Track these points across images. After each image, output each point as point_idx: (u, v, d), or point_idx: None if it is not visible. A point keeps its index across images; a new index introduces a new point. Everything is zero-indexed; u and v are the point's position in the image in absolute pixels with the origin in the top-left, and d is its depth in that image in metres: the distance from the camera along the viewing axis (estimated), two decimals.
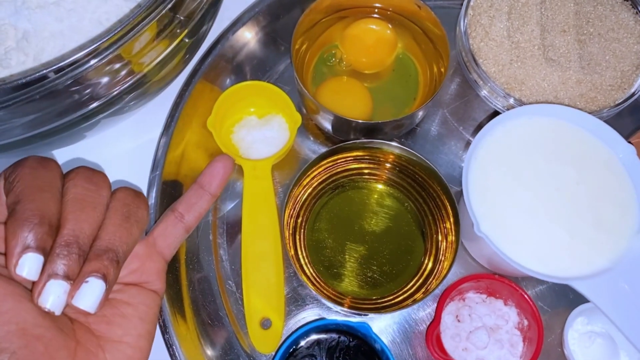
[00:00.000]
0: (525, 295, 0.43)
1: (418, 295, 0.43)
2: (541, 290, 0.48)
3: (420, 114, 0.49)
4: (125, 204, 0.29)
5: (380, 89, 0.52)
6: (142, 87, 0.40)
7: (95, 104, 0.36)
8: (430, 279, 0.44)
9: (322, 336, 0.43)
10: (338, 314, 0.46)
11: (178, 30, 0.41)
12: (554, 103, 0.45)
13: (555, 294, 0.47)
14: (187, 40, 0.43)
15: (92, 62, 0.34)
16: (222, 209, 0.50)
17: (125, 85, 0.38)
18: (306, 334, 0.43)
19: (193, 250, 0.48)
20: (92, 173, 0.29)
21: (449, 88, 0.53)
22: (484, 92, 0.48)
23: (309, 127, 0.53)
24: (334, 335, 0.43)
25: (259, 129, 0.51)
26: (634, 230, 0.39)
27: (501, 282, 0.44)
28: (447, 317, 0.45)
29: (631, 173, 0.40)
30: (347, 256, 0.46)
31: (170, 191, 0.48)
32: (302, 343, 0.43)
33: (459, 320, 0.45)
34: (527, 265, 0.38)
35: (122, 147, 0.51)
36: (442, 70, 0.47)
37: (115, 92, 0.37)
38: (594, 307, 0.38)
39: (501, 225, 0.39)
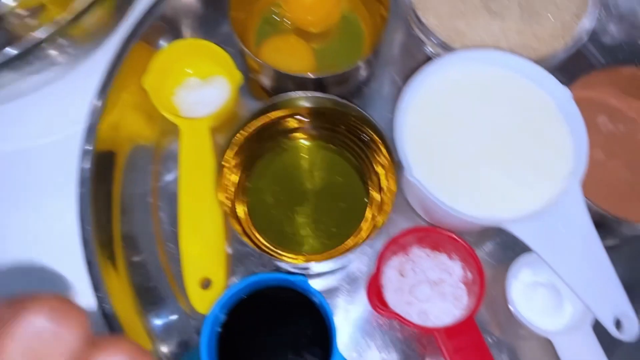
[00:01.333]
0: (468, 248, 0.42)
1: (351, 242, 0.42)
2: (488, 244, 0.47)
3: (363, 68, 0.48)
4: None
5: (327, 49, 0.52)
6: (65, 38, 0.39)
7: (10, 50, 0.35)
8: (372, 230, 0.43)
9: (261, 292, 0.42)
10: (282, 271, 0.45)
11: None
12: None
13: (501, 248, 0.47)
14: None
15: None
16: (162, 171, 0.49)
17: (43, 33, 0.36)
18: (243, 290, 0.41)
19: (130, 211, 0.46)
20: (136, 356, 0.18)
21: (395, 47, 0.53)
22: (428, 49, 0.47)
23: (253, 89, 0.52)
24: (273, 290, 0.42)
25: (199, 89, 0.50)
26: (569, 172, 0.38)
27: (445, 235, 0.43)
28: (390, 272, 0.44)
29: (567, 116, 0.40)
30: (289, 213, 0.45)
31: (106, 159, 0.47)
32: (240, 299, 0.42)
33: (402, 275, 0.44)
34: (459, 208, 0.37)
35: (54, 110, 0.49)
36: (384, 15, 0.46)
37: (32, 38, 0.35)
38: (538, 258, 0.38)
39: (435, 170, 0.38)
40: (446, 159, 0.38)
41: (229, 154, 0.43)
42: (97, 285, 0.41)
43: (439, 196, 0.37)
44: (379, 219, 0.43)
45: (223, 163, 0.43)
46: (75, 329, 0.17)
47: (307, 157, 0.47)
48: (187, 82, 0.50)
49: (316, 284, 0.46)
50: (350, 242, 0.44)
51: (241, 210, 0.45)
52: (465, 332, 0.40)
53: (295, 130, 0.47)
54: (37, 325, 0.16)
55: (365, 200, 0.45)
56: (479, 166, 0.38)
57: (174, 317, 0.44)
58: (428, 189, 0.37)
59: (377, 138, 0.43)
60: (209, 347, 0.40)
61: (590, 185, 0.43)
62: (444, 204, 0.37)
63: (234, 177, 0.45)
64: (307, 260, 0.43)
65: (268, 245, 0.44)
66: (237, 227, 0.41)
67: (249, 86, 0.52)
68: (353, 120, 0.44)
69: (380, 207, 0.44)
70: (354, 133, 0.45)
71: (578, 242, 0.36)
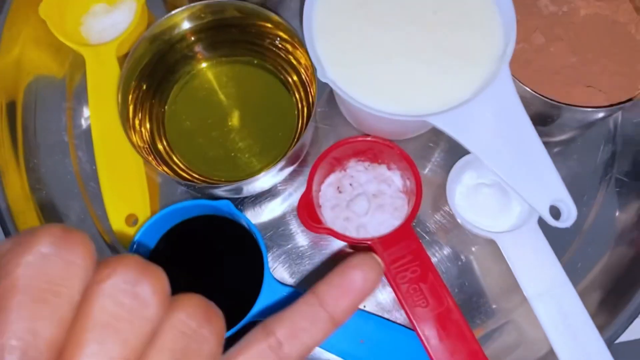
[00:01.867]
0: (403, 154, 0.39)
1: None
2: (434, 152, 0.44)
3: None
4: (187, 335, 0.17)
5: None
6: None
7: None
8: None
9: (187, 221, 0.40)
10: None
11: None
12: None
13: (448, 154, 0.44)
14: None
15: None
16: (76, 108, 0.45)
17: None
18: (166, 219, 0.39)
19: (46, 153, 0.43)
20: (142, 270, 0.17)
21: None
22: None
23: (170, 9, 0.47)
24: (198, 218, 0.40)
25: (107, 15, 0.45)
26: (498, 56, 0.35)
27: (376, 142, 0.40)
28: (327, 189, 0.42)
29: None
30: (213, 136, 0.42)
31: (9, 98, 0.43)
32: (166, 230, 0.40)
33: (340, 191, 0.42)
34: (379, 107, 0.34)
35: None
36: None
37: None
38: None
39: (350, 69, 0.35)
40: (362, 53, 0.35)
41: (129, 86, 0.39)
42: (9, 233, 0.39)
43: (356, 96, 0.34)
44: (304, 125, 0.39)
45: (123, 99, 0.39)
46: (83, 253, 0.17)
47: (222, 74, 0.43)
48: (94, 9, 0.46)
49: (260, 213, 0.43)
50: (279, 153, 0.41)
51: (162, 149, 0.41)
52: (402, 240, 0.38)
53: (202, 49, 0.43)
54: (43, 252, 0.16)
55: (294, 115, 0.42)
56: (399, 59, 0.35)
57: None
58: (344, 90, 0.34)
59: (289, 39, 0.40)
60: None
61: (530, 74, 0.40)
62: (362, 104, 0.34)
63: (143, 110, 0.41)
64: (229, 181, 0.40)
65: (197, 176, 0.41)
66: (157, 166, 0.38)
67: (166, 6, 0.47)
68: (263, 26, 0.40)
69: (308, 112, 0.41)
70: (268, 41, 0.41)
71: (508, 130, 0.33)
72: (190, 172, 0.41)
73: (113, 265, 0.17)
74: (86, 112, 0.45)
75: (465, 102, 0.33)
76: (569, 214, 0.32)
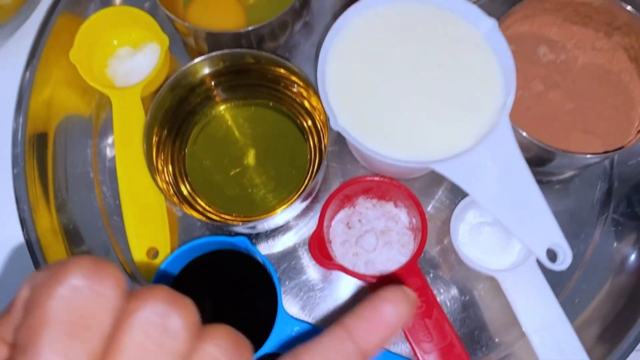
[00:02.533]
0: (409, 193, 0.42)
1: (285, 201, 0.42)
2: (438, 190, 0.47)
3: (293, 19, 0.46)
4: None
5: (262, 3, 0.50)
6: None
7: None
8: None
9: (205, 257, 0.42)
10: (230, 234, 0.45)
11: None
12: None
13: (451, 192, 0.46)
14: None
15: None
16: (101, 145, 0.48)
17: None
18: (185, 255, 0.41)
19: (72, 188, 0.46)
20: (172, 302, 0.17)
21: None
22: None
23: (191, 52, 0.51)
24: (216, 254, 0.42)
25: (132, 58, 0.48)
26: (499, 106, 0.37)
27: (387, 183, 0.42)
28: (337, 225, 0.44)
29: (495, 48, 0.38)
30: (230, 175, 0.45)
31: (40, 137, 0.46)
32: (186, 266, 0.42)
33: (349, 227, 0.44)
34: (386, 153, 0.36)
35: None
36: None
37: None
38: None
39: (360, 116, 0.37)
40: (371, 103, 0.37)
41: (152, 131, 0.42)
42: (39, 266, 0.41)
43: (365, 143, 0.36)
44: (317, 167, 0.42)
45: (149, 143, 0.41)
46: (113, 285, 0.17)
47: (241, 117, 0.46)
48: (119, 52, 0.49)
49: (273, 247, 0.45)
50: (292, 197, 0.43)
51: (184, 188, 0.44)
52: (408, 277, 0.40)
53: (221, 92, 0.46)
54: (74, 284, 0.16)
55: (307, 155, 0.44)
56: (406, 108, 0.37)
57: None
58: (353, 137, 0.36)
59: (304, 87, 0.42)
60: None
61: (530, 120, 0.42)
62: (370, 150, 0.36)
63: (165, 152, 0.44)
64: (248, 220, 0.42)
65: (214, 212, 0.44)
66: (181, 206, 0.41)
67: (187, 49, 0.51)
68: (279, 73, 0.43)
69: (320, 153, 0.44)
70: (283, 85, 0.44)
71: (508, 177, 0.35)
72: (209, 209, 0.43)
73: (143, 297, 0.17)
74: (110, 149, 0.48)
75: (467, 151, 0.36)
76: (565, 258, 0.34)
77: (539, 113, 0.43)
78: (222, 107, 0.46)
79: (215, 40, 0.45)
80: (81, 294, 0.16)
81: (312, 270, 0.45)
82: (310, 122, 0.44)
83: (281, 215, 0.41)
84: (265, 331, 0.39)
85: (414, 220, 0.43)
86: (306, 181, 0.43)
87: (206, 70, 0.43)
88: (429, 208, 0.47)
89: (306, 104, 0.44)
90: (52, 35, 0.47)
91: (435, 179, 0.47)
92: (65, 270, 0.16)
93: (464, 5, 0.39)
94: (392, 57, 0.38)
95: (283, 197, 0.44)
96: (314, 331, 0.41)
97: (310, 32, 0.50)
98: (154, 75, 0.45)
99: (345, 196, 0.44)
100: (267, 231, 0.46)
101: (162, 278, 0.41)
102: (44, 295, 0.16)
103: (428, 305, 0.39)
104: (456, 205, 0.44)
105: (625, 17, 0.43)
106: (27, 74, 0.46)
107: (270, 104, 0.46)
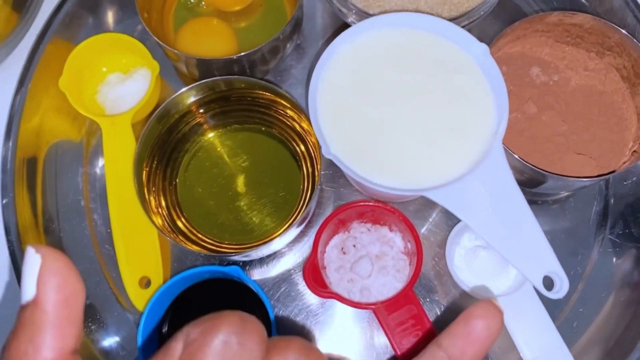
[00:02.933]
0: (404, 218, 0.41)
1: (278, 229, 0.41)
2: (432, 213, 0.46)
3: (284, 44, 0.46)
4: None
5: (250, 28, 0.50)
6: None
7: None
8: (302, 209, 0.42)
9: (198, 286, 0.42)
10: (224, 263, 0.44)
11: None
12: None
13: (446, 215, 0.46)
14: None
15: None
16: (91, 173, 0.47)
17: None
18: (178, 284, 0.41)
19: (63, 216, 0.45)
20: (307, 351, 0.20)
21: (320, 19, 0.51)
22: (349, 19, 0.45)
23: (182, 78, 0.50)
24: (211, 285, 0.42)
25: (122, 84, 0.48)
26: (491, 132, 0.37)
27: (379, 207, 0.42)
28: (331, 251, 0.44)
29: (487, 73, 0.38)
30: (224, 203, 0.44)
31: (29, 165, 0.45)
32: (179, 295, 0.42)
33: (344, 253, 0.44)
34: (379, 181, 0.36)
35: None
36: None
37: None
38: None
39: (353, 145, 0.37)
40: (363, 130, 0.37)
41: (142, 164, 0.41)
42: None
43: (357, 171, 0.36)
44: (311, 194, 0.41)
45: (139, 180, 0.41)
46: (258, 339, 0.19)
47: (232, 144, 0.45)
48: (109, 79, 0.48)
49: (266, 273, 0.45)
50: (285, 224, 0.43)
51: (177, 218, 0.43)
52: (404, 304, 0.39)
53: (211, 119, 0.45)
54: (225, 340, 0.18)
55: (300, 180, 0.44)
56: (397, 134, 0.37)
57: (117, 320, 0.44)
58: (346, 164, 0.36)
59: (296, 113, 0.42)
60: (149, 346, 0.39)
61: (523, 143, 0.42)
62: (362, 178, 0.36)
63: (157, 181, 0.43)
64: (241, 249, 0.42)
65: (209, 240, 0.43)
66: (174, 239, 0.40)
67: (178, 74, 0.50)
68: (270, 98, 0.43)
69: (313, 179, 0.43)
70: (275, 110, 0.44)
71: (502, 204, 0.35)
72: (204, 238, 0.43)
73: (281, 350, 0.20)
74: (100, 177, 0.47)
75: (460, 178, 0.35)
76: (562, 286, 0.34)
77: (533, 135, 0.42)
78: (212, 134, 0.45)
79: (206, 66, 0.45)
80: (231, 348, 0.18)
81: (307, 297, 0.44)
82: (303, 147, 0.43)
83: (275, 243, 0.40)
84: None
85: (409, 245, 0.43)
86: (300, 207, 0.42)
87: (195, 98, 0.43)
88: (424, 230, 0.46)
89: (298, 128, 0.43)
90: (42, 62, 0.46)
91: (429, 202, 0.46)
92: (218, 326, 0.19)
93: (455, 30, 0.39)
94: (383, 83, 0.38)
95: (277, 223, 0.43)
96: None
97: (301, 56, 0.50)
98: (144, 102, 0.45)
99: (340, 220, 0.43)
100: (260, 257, 0.45)
101: (155, 308, 0.40)
102: (201, 351, 0.18)
103: (424, 333, 0.39)
104: (451, 228, 0.43)
105: (616, 38, 0.43)
106: (17, 101, 0.45)
107: (262, 128, 0.45)
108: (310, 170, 0.44)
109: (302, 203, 0.43)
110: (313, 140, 0.42)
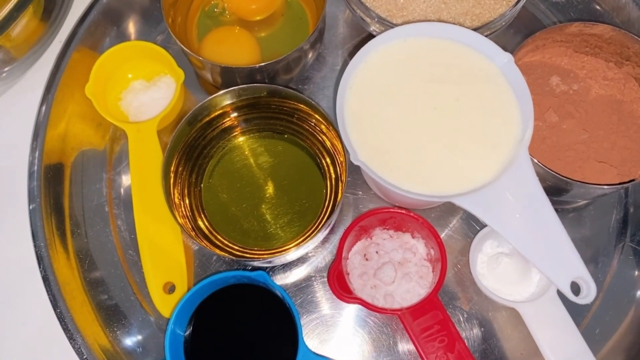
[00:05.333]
0: (427, 225, 0.42)
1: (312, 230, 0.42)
2: (453, 220, 0.47)
3: (308, 52, 0.47)
4: None
5: (272, 37, 0.50)
6: None
7: None
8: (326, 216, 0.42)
9: (223, 291, 0.42)
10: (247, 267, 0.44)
11: None
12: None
13: (467, 222, 0.46)
14: None
15: None
16: (115, 178, 0.48)
17: None
18: (204, 290, 0.41)
19: (87, 222, 0.46)
20: None
21: (342, 27, 0.52)
22: (372, 27, 0.46)
23: (205, 87, 0.51)
24: (235, 289, 0.42)
25: (146, 92, 0.49)
26: (517, 140, 0.37)
27: (404, 215, 0.42)
28: (354, 257, 0.44)
29: (512, 81, 0.39)
30: (247, 210, 0.44)
31: (56, 171, 0.46)
32: (204, 300, 0.42)
33: (366, 259, 0.44)
34: (407, 188, 0.36)
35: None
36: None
37: None
38: None
39: (380, 152, 0.37)
40: (391, 138, 0.38)
41: (170, 166, 0.42)
42: (57, 302, 0.41)
43: (385, 177, 0.36)
44: (335, 202, 0.42)
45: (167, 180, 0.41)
46: None
47: (256, 150, 0.46)
48: (133, 86, 0.49)
49: (288, 279, 0.45)
50: (309, 230, 0.43)
51: (201, 222, 0.44)
52: (429, 310, 0.40)
53: (237, 125, 0.46)
54: None
55: (323, 187, 0.44)
56: (425, 142, 0.38)
57: (141, 325, 0.44)
58: (374, 171, 0.36)
59: (322, 121, 0.43)
60: (174, 350, 0.40)
61: (545, 151, 0.43)
62: (391, 185, 0.36)
63: (182, 186, 0.43)
64: (266, 255, 0.42)
65: (232, 245, 0.44)
66: (199, 241, 0.40)
67: (200, 81, 0.51)
68: (295, 106, 0.43)
69: (337, 190, 0.44)
70: (300, 119, 0.44)
71: (528, 210, 0.35)
72: (227, 243, 0.43)
73: None
74: (124, 182, 0.48)
75: (487, 184, 0.36)
76: (589, 291, 0.34)
77: (554, 143, 0.43)
78: (237, 140, 0.46)
79: (229, 74, 0.46)
80: None
81: (329, 303, 0.45)
82: (328, 159, 0.44)
83: (299, 250, 0.41)
84: None
85: (432, 252, 0.43)
86: (323, 216, 0.43)
87: (224, 104, 0.44)
88: (444, 237, 0.46)
89: (325, 140, 0.44)
90: (68, 69, 0.47)
91: (450, 209, 0.47)
92: None
93: (479, 39, 0.39)
94: (409, 91, 0.39)
95: (300, 230, 0.44)
96: None
97: (322, 65, 0.50)
98: (169, 109, 0.45)
99: (362, 227, 0.44)
100: (282, 263, 0.45)
101: (182, 314, 0.40)
102: None
103: (450, 339, 0.39)
104: (474, 235, 0.44)
105: (635, 48, 0.43)
106: (43, 108, 0.46)
107: (286, 136, 0.46)
108: (334, 179, 0.44)
109: (325, 212, 0.44)
110: (339, 155, 0.43)
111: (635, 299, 0.44)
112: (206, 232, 0.43)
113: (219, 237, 0.43)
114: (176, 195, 0.42)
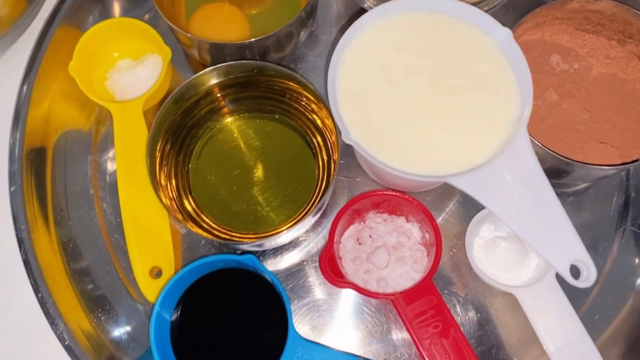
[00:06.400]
0: (422, 207, 0.40)
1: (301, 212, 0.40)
2: (449, 203, 0.45)
3: (299, 30, 0.45)
4: None
5: (264, 14, 0.49)
6: None
7: None
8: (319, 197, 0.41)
9: (212, 276, 0.41)
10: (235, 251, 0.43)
11: None
12: None
13: (463, 205, 0.45)
14: None
15: None
16: (100, 161, 0.46)
17: None
18: (191, 274, 0.40)
19: (72, 205, 0.44)
20: None
21: (334, 5, 0.50)
22: (366, 4, 0.44)
23: (194, 66, 0.49)
24: (224, 274, 0.41)
25: (132, 71, 0.47)
26: (515, 118, 0.36)
27: (398, 197, 0.41)
28: (347, 241, 0.43)
29: (510, 58, 0.37)
30: (237, 192, 0.43)
31: (38, 152, 0.44)
32: (191, 285, 0.41)
33: (359, 243, 0.43)
34: (401, 168, 0.35)
35: None
36: None
37: None
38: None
39: (373, 130, 0.36)
40: (384, 116, 0.36)
41: (155, 145, 0.40)
42: (38, 287, 0.40)
43: (377, 157, 0.35)
44: (327, 184, 0.41)
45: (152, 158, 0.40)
46: None
47: (245, 131, 0.44)
48: (119, 65, 0.47)
49: (280, 264, 0.44)
50: (300, 212, 0.42)
51: (188, 204, 0.42)
52: (423, 295, 0.38)
53: (225, 105, 0.44)
54: None
55: (315, 168, 0.43)
56: (419, 122, 0.36)
57: (127, 311, 0.42)
58: (366, 151, 0.35)
59: (314, 100, 0.41)
60: (160, 336, 0.38)
61: (544, 131, 0.41)
62: (384, 165, 0.35)
63: (169, 166, 0.42)
64: (256, 238, 0.41)
65: (220, 228, 0.42)
66: (185, 224, 0.39)
67: (188, 60, 0.49)
68: (286, 85, 0.42)
69: (330, 171, 0.42)
70: (291, 98, 0.43)
71: (527, 191, 0.34)
72: (215, 226, 0.42)
73: None
74: (110, 164, 0.46)
75: (484, 164, 0.35)
76: (589, 275, 0.33)
77: (554, 123, 0.42)
78: (226, 120, 0.44)
79: (218, 52, 0.44)
80: None
81: (321, 288, 0.43)
82: (319, 138, 0.43)
83: (290, 233, 0.39)
84: (275, 353, 0.37)
85: (426, 235, 0.42)
86: (315, 198, 0.41)
87: (211, 82, 0.42)
88: (440, 220, 0.45)
89: (316, 119, 0.42)
90: (50, 47, 0.46)
91: (447, 192, 0.45)
92: None
93: (478, 14, 0.38)
94: (404, 67, 0.37)
95: (291, 213, 0.42)
96: (325, 353, 0.39)
97: (315, 43, 0.49)
98: (156, 88, 0.44)
99: (355, 211, 0.42)
100: (273, 247, 0.44)
101: (168, 298, 0.39)
102: None
103: (445, 325, 0.38)
104: (470, 219, 0.42)
105: (638, 25, 0.42)
106: (25, 87, 0.44)
107: (277, 116, 0.44)
108: (326, 160, 0.43)
109: (317, 194, 0.42)
110: (331, 134, 0.41)
111: (636, 285, 0.43)
112: (193, 214, 0.42)
113: (206, 220, 0.42)
114: (162, 177, 0.41)
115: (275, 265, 0.44)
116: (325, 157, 0.42)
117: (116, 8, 0.50)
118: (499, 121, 0.36)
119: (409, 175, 0.34)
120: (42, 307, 0.39)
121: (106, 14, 0.49)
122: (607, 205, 0.45)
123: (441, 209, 0.45)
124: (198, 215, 0.42)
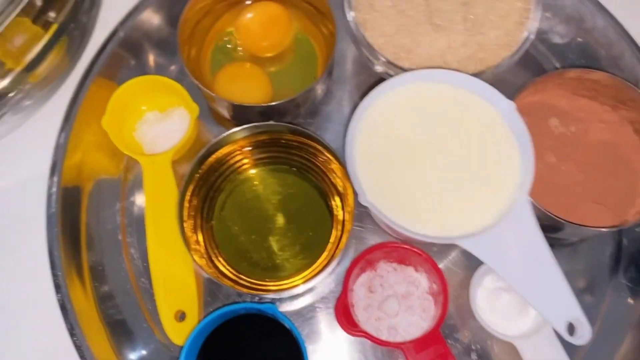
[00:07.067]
0: (430, 259, 0.43)
1: (317, 265, 0.44)
2: (453, 253, 0.49)
3: (318, 89, 0.49)
4: None
5: (282, 72, 0.52)
6: (24, 84, 0.39)
7: None
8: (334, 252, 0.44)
9: (233, 321, 0.43)
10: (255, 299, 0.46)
11: (51, 16, 0.39)
12: (441, 68, 0.45)
13: (467, 256, 0.48)
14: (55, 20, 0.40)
15: None
16: (128, 207, 0.49)
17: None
18: (215, 320, 0.43)
19: (100, 249, 0.47)
20: None
21: (349, 64, 0.53)
22: (377, 67, 0.48)
23: (217, 118, 0.53)
24: (244, 319, 0.43)
25: (160, 123, 0.50)
26: (517, 184, 0.39)
27: (408, 249, 0.44)
28: (359, 290, 0.46)
29: (513, 128, 0.41)
30: (257, 241, 0.46)
31: (72, 199, 0.47)
32: (214, 329, 0.43)
33: (371, 291, 0.46)
34: (412, 229, 0.38)
35: (17, 154, 0.50)
36: (332, 31, 0.47)
37: None
38: None
39: (387, 193, 0.39)
40: (397, 179, 0.40)
41: (184, 202, 0.44)
42: (73, 329, 0.43)
43: (392, 218, 0.38)
44: (343, 239, 0.44)
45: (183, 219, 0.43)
46: None
47: (266, 184, 0.48)
48: (147, 117, 0.51)
49: (292, 306, 0.47)
50: (316, 265, 0.45)
51: (214, 256, 0.45)
52: (431, 344, 0.41)
53: (250, 160, 0.48)
54: None
55: (329, 221, 0.46)
56: (429, 185, 0.39)
57: (152, 350, 0.45)
58: (381, 212, 0.38)
59: (332, 159, 0.44)
60: None
61: (543, 190, 0.44)
62: (397, 226, 0.38)
63: (195, 219, 0.45)
64: (277, 289, 0.44)
65: (244, 277, 0.45)
66: (220, 280, 0.42)
67: (212, 113, 0.53)
68: (307, 144, 0.45)
69: (344, 225, 0.46)
70: (311, 155, 0.46)
71: (528, 253, 0.37)
72: (238, 274, 0.45)
73: None
74: (137, 211, 0.49)
75: (489, 227, 0.38)
76: (583, 332, 0.36)
77: (552, 183, 0.45)
78: (247, 174, 0.48)
79: (241, 110, 0.48)
80: None
81: (334, 334, 0.46)
82: (337, 199, 0.46)
83: (308, 284, 0.42)
84: None
85: (434, 285, 0.45)
86: (331, 251, 0.45)
87: (237, 140, 0.45)
88: (444, 268, 0.48)
89: (335, 178, 0.46)
90: (85, 100, 0.49)
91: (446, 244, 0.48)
92: None
93: (482, 86, 0.41)
94: (414, 135, 0.41)
95: (308, 262, 0.45)
96: None
97: (329, 98, 0.52)
98: (183, 143, 0.47)
99: (367, 261, 0.46)
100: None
101: (194, 343, 0.42)
102: None
103: None
104: (473, 267, 0.45)
105: (630, 94, 0.45)
106: (61, 137, 0.48)
107: (294, 169, 0.48)
108: (341, 215, 0.46)
109: (333, 247, 0.45)
110: (346, 186, 0.44)
111: (629, 333, 0.45)
112: (219, 265, 0.45)
113: (232, 270, 0.45)
114: (190, 231, 0.44)
115: (289, 307, 0.47)
116: (340, 218, 0.46)
117: (146, 63, 0.53)
118: (503, 187, 0.39)
119: (420, 237, 0.38)
120: (77, 351, 0.42)
121: (139, 67, 0.53)
122: (600, 257, 0.48)
123: (444, 258, 0.48)
124: (224, 267, 0.45)
